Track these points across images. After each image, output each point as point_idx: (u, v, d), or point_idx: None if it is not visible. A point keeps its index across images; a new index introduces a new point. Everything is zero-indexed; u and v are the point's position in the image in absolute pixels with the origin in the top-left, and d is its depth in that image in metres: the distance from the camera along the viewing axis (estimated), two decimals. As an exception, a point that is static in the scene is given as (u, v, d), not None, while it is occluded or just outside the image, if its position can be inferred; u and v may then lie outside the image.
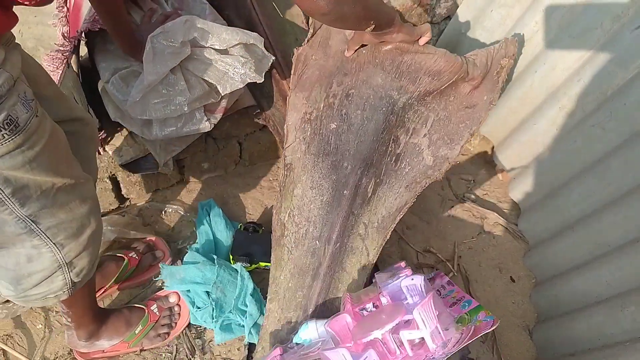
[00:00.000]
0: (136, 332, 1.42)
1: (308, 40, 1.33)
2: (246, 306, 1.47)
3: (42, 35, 1.53)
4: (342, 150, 1.24)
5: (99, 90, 1.45)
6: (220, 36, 1.26)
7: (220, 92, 1.33)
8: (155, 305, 1.47)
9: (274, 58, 1.43)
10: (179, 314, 1.50)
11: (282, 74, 1.59)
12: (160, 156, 1.54)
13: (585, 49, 1.38)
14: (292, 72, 1.31)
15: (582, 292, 1.43)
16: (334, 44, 1.28)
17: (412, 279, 1.04)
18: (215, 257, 1.56)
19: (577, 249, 1.47)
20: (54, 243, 0.99)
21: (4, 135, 0.80)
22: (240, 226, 1.63)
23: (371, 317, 1.06)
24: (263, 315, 1.47)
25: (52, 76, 1.39)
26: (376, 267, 1.34)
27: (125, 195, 1.72)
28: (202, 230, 1.65)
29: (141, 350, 1.45)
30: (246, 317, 1.45)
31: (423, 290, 1.03)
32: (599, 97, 1.39)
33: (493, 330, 1.54)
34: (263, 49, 1.36)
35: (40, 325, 1.52)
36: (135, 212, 1.73)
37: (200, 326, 1.51)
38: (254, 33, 1.33)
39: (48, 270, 1.02)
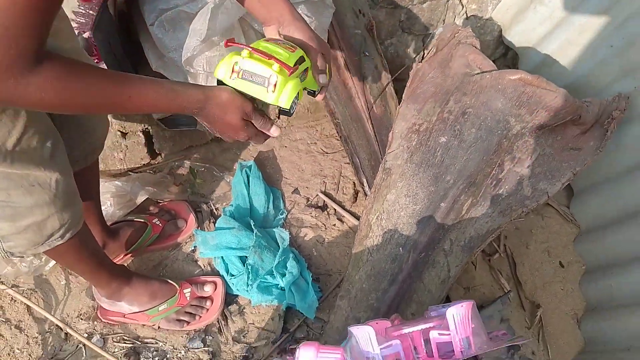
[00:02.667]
0: (159, 309, 1.34)
1: (429, 58, 1.37)
2: (286, 268, 1.40)
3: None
4: (448, 164, 1.27)
5: (139, 37, 1.33)
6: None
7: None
8: (189, 290, 1.38)
9: (334, 9, 1.31)
10: (208, 309, 1.40)
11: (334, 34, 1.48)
12: (199, 112, 1.43)
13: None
14: (408, 85, 1.35)
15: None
16: (455, 66, 1.32)
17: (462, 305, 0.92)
18: (251, 221, 1.48)
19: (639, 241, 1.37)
20: None
21: None
22: None
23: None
24: (305, 279, 1.41)
25: (84, 19, 1.27)
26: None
27: (157, 151, 1.62)
28: (238, 193, 1.56)
29: (159, 327, 1.38)
30: (285, 276, 1.38)
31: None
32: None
33: (540, 317, 1.47)
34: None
35: (64, 282, 1.45)
36: (166, 170, 1.64)
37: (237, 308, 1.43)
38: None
39: None
